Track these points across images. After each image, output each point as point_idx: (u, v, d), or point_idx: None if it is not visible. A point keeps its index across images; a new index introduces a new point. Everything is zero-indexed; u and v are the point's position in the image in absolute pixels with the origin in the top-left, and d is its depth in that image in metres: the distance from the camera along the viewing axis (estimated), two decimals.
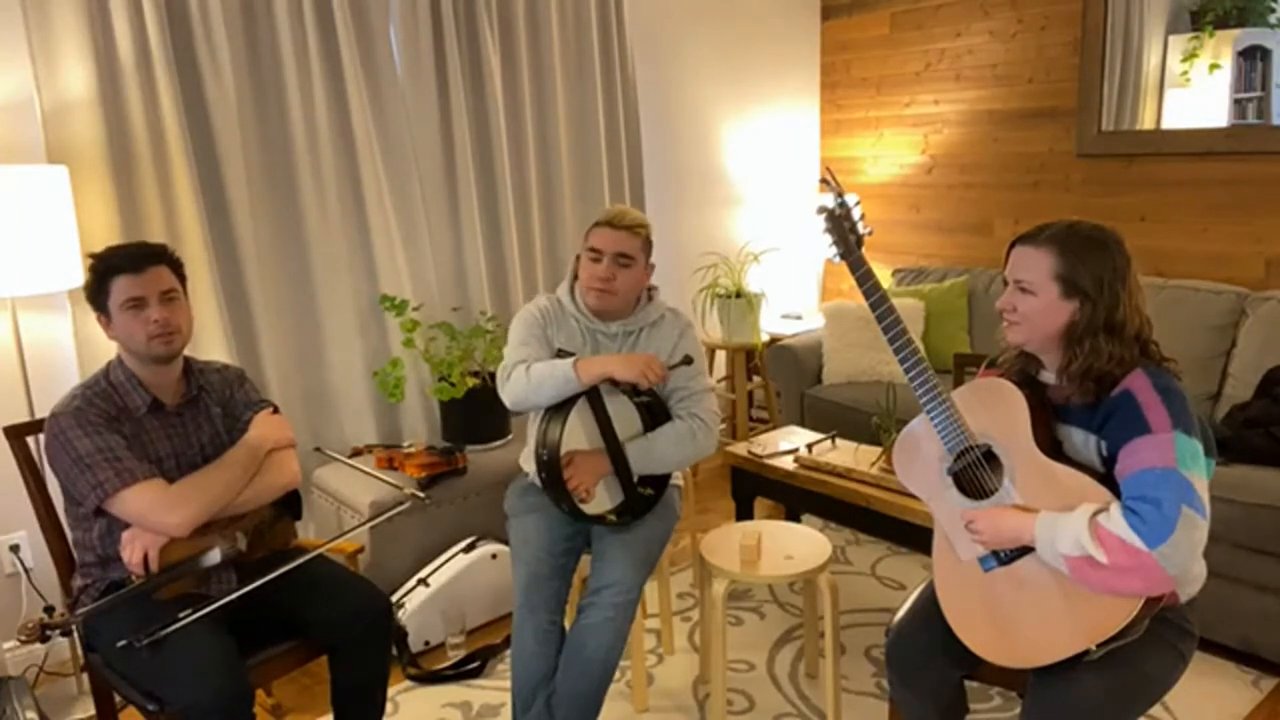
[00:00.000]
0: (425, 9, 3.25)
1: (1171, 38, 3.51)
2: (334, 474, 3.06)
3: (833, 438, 3.01)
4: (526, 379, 2.23)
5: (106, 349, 2.03)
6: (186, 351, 2.08)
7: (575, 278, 2.43)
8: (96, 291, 1.97)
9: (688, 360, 2.34)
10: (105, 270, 1.95)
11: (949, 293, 3.90)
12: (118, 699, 2.07)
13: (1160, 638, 1.66)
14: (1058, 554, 1.57)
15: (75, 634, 2.39)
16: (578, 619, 2.13)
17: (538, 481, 2.28)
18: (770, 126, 4.57)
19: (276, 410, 2.18)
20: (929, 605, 1.83)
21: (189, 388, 2.08)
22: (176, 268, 2.02)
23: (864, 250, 1.87)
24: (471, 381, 3.16)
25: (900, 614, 1.91)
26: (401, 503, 2.50)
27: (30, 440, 2.13)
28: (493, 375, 2.42)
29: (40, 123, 2.57)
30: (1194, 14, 3.44)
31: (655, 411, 2.35)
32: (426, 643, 2.82)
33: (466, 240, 3.48)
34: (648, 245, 2.37)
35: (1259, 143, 3.34)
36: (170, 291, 1.98)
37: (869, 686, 2.59)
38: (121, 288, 1.94)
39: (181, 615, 1.82)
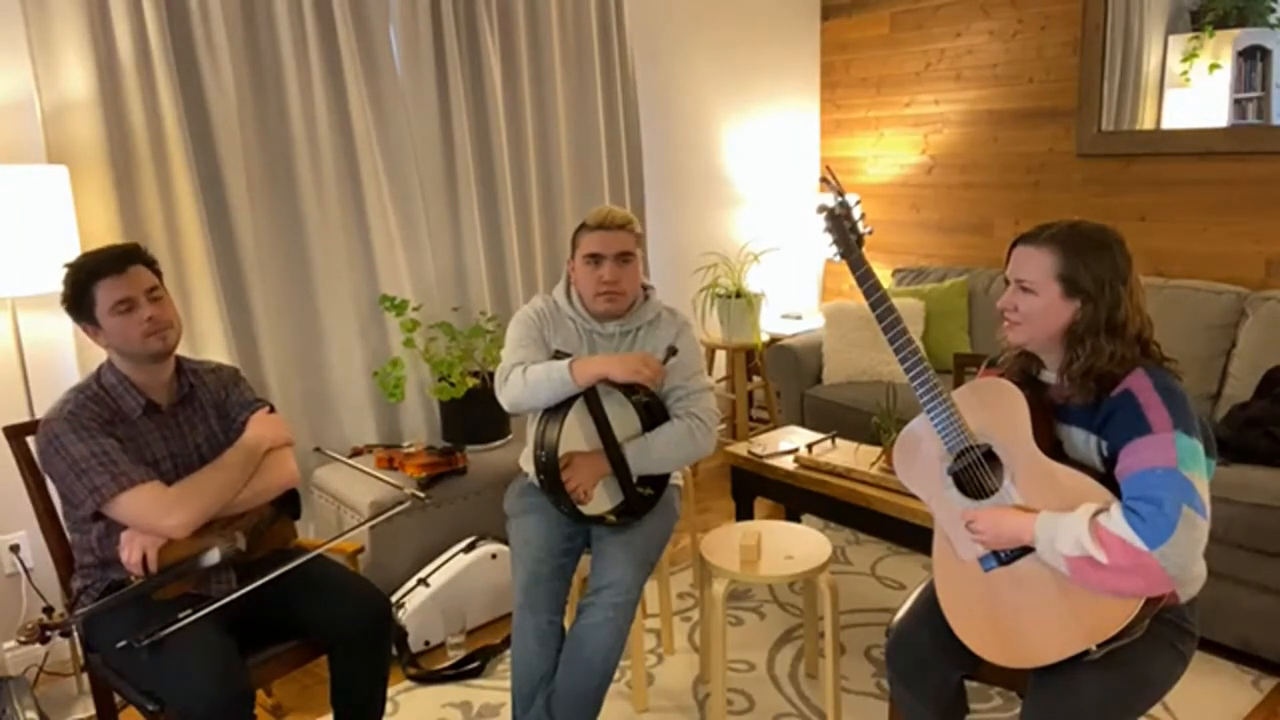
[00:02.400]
0: (425, 9, 3.25)
1: (1171, 38, 3.51)
2: (334, 474, 3.06)
3: (833, 438, 3.01)
4: (523, 381, 2.23)
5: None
6: (180, 350, 2.07)
7: (569, 280, 2.43)
8: (79, 301, 1.93)
9: (673, 351, 2.31)
10: (86, 277, 1.92)
11: (949, 293, 3.90)
12: (118, 699, 2.07)
13: (1160, 638, 1.66)
14: (1058, 554, 1.57)
15: (75, 634, 2.39)
16: (578, 619, 2.13)
17: (536, 483, 2.28)
18: (770, 126, 4.57)
19: (273, 409, 2.18)
20: (929, 605, 1.83)
21: (181, 386, 2.07)
22: (152, 265, 2.00)
23: (864, 250, 1.87)
24: (471, 381, 3.16)
25: (900, 614, 1.91)
26: (401, 503, 2.51)
27: (30, 440, 2.12)
28: (492, 375, 2.42)
29: (40, 123, 2.57)
30: (1194, 14, 3.44)
31: (654, 411, 2.34)
32: (426, 643, 2.82)
33: (466, 240, 3.48)
34: (640, 240, 2.38)
35: (1259, 143, 3.34)
36: (154, 289, 1.97)
37: (869, 686, 2.59)
38: (108, 292, 1.91)
39: (181, 615, 1.82)
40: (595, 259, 2.31)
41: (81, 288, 1.92)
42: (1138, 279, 1.67)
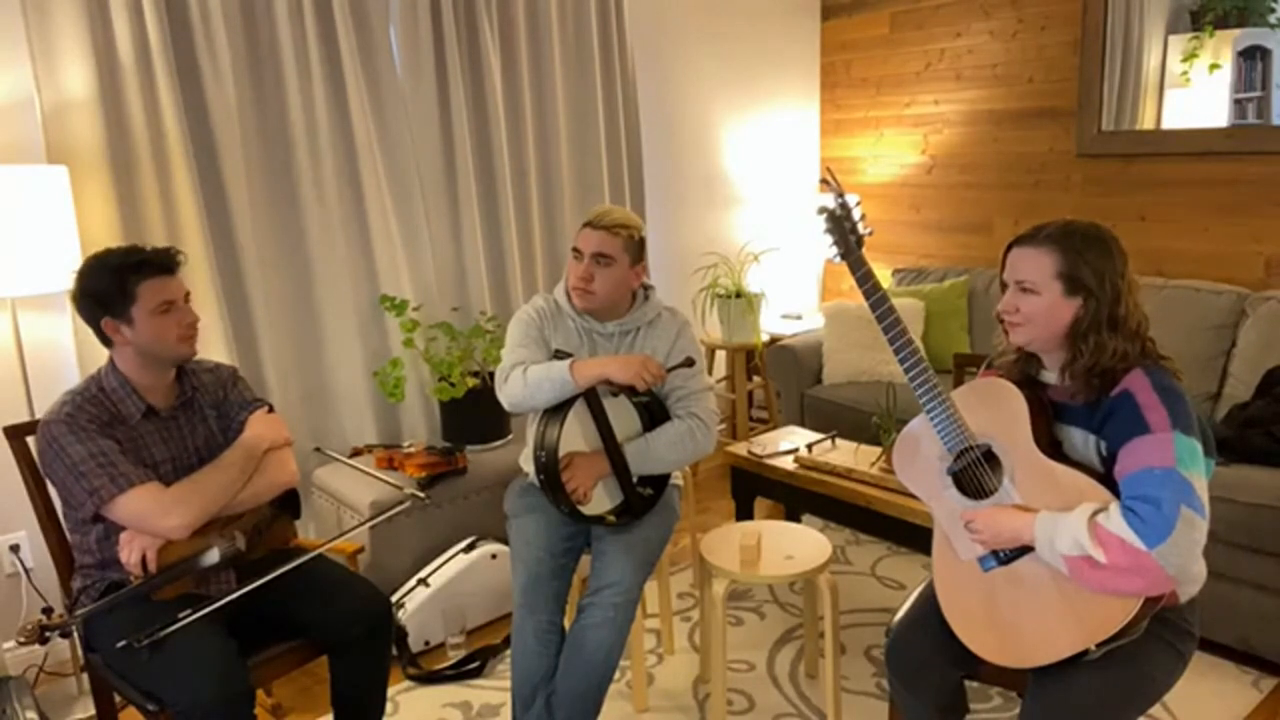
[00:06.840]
0: (425, 9, 3.25)
1: (1171, 38, 3.51)
2: (334, 474, 3.06)
3: (833, 438, 3.01)
4: (523, 381, 2.23)
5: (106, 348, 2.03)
6: None
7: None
8: (115, 294, 1.89)
9: (689, 362, 2.33)
10: (132, 272, 1.90)
11: (949, 293, 3.90)
12: (118, 699, 2.07)
13: (1160, 638, 1.66)
14: (1057, 554, 1.57)
15: (75, 634, 2.39)
16: (578, 619, 2.13)
17: (536, 483, 2.28)
18: (770, 126, 4.57)
19: (271, 409, 2.18)
20: (929, 605, 1.83)
21: (182, 390, 2.07)
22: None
23: (864, 250, 1.87)
24: (471, 381, 3.16)
25: (900, 614, 1.91)
26: (401, 503, 2.51)
27: (30, 440, 2.12)
28: (492, 375, 2.42)
29: (40, 123, 2.57)
30: (1194, 14, 3.44)
31: (654, 411, 2.34)
32: (426, 643, 2.82)
33: (466, 240, 3.48)
34: (631, 245, 2.31)
35: (1259, 143, 3.34)
36: (189, 294, 2.01)
37: (869, 686, 2.59)
38: (155, 292, 1.91)
39: (181, 615, 1.82)
40: (577, 253, 2.33)
41: (124, 281, 1.89)
42: (1134, 275, 1.68)
